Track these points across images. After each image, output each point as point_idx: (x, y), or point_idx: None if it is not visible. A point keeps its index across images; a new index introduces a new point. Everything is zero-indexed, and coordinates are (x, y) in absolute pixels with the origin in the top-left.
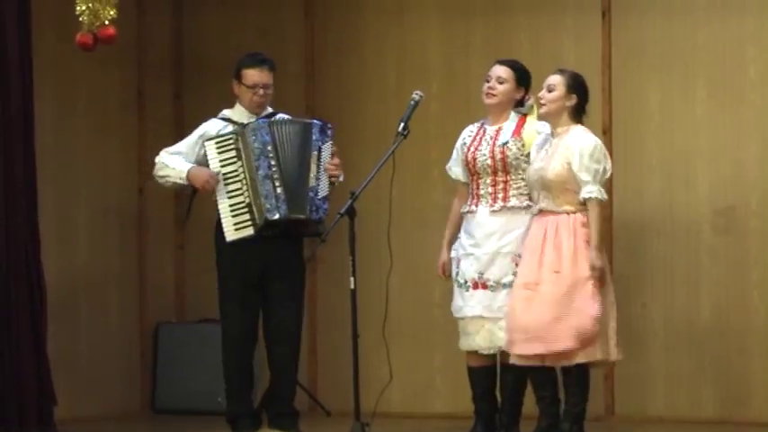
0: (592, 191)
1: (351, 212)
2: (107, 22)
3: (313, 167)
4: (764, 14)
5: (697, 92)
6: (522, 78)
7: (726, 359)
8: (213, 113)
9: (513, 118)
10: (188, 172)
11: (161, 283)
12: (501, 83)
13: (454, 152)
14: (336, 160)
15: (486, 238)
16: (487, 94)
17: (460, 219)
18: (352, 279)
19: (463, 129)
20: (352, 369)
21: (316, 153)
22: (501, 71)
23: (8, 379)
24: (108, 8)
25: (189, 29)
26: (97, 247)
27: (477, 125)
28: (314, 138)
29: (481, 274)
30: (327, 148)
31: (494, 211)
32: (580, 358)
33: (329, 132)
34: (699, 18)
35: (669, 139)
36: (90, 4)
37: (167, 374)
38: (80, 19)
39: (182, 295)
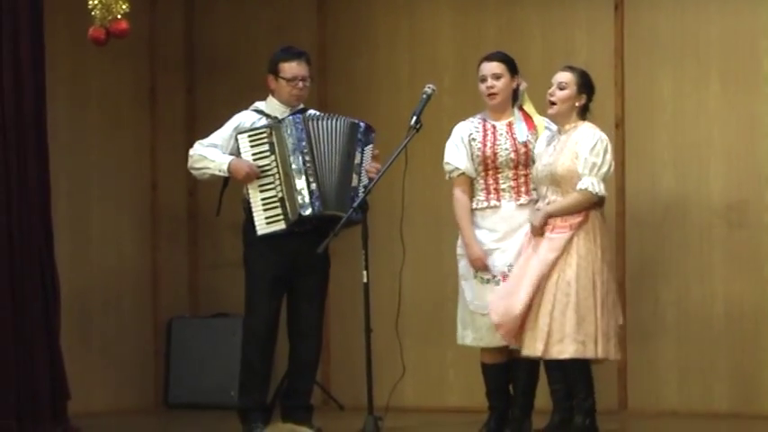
0: (584, 183)
1: (363, 206)
2: (119, 17)
3: (356, 168)
4: None
5: (710, 85)
6: (514, 68)
7: (739, 353)
8: (226, 108)
9: (516, 113)
10: (230, 164)
11: (174, 278)
12: (498, 78)
13: (455, 148)
14: (376, 164)
15: (513, 231)
16: (491, 95)
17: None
18: (364, 273)
19: None
20: (365, 363)
21: (359, 154)
22: (495, 67)
23: (22, 374)
24: (120, 2)
25: (201, 23)
26: (111, 242)
27: (477, 120)
28: (359, 138)
29: (511, 266)
30: (369, 151)
31: (521, 205)
32: (577, 353)
33: (372, 136)
34: (711, 10)
35: (682, 132)
36: None
37: (180, 369)
38: (92, 13)
39: (195, 290)
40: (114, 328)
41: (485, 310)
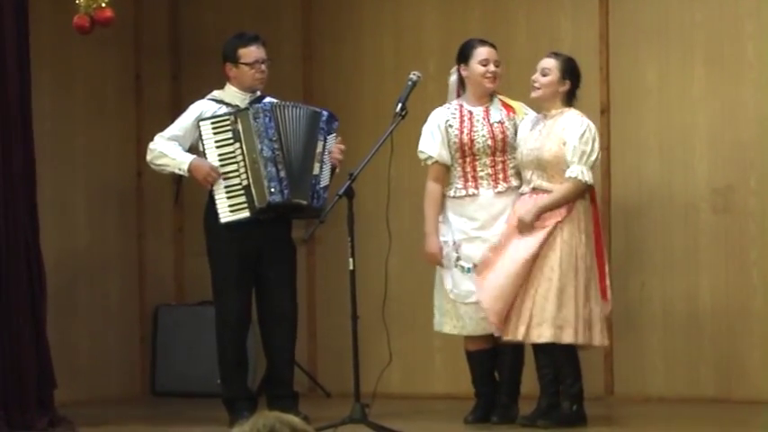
0: (574, 171)
1: (349, 193)
2: (104, 5)
3: (317, 156)
4: None
5: (695, 70)
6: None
7: (725, 338)
8: None
9: (495, 100)
10: (189, 164)
11: (160, 265)
12: (498, 66)
13: (429, 135)
14: (339, 154)
15: (493, 219)
16: (493, 78)
17: (441, 202)
18: (351, 260)
19: None
20: (352, 350)
21: (322, 142)
22: (497, 55)
23: (8, 363)
24: None
25: (186, 10)
26: (96, 230)
27: (454, 106)
28: (321, 127)
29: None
30: (332, 140)
31: (499, 192)
32: (554, 338)
33: (335, 124)
34: None
35: (667, 117)
36: None
37: (167, 357)
38: (77, 2)
39: (181, 278)
40: (100, 316)
41: (465, 299)
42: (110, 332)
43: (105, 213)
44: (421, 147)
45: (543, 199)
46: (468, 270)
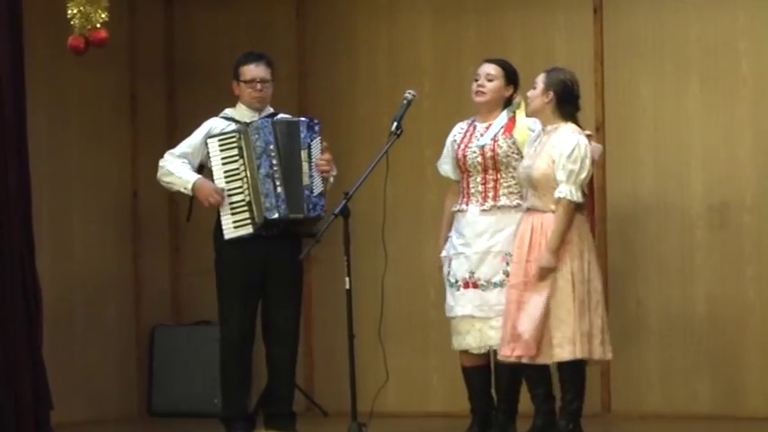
0: (562, 191)
1: (345, 212)
2: (98, 26)
3: (305, 165)
4: (756, 8)
5: (690, 87)
6: (511, 76)
7: (722, 354)
8: (206, 114)
9: (503, 116)
10: (193, 184)
11: (157, 285)
12: (490, 80)
13: (444, 149)
14: (327, 156)
15: (477, 237)
16: (477, 92)
17: (453, 217)
18: (347, 279)
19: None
20: (349, 369)
21: (306, 150)
22: (490, 68)
23: (4, 384)
24: (99, 11)
25: (180, 30)
26: (92, 250)
27: (467, 122)
28: (302, 135)
29: (472, 273)
30: (317, 145)
31: (484, 210)
32: (556, 357)
33: (316, 128)
34: (690, 13)
35: (662, 134)
36: (81, 8)
37: (163, 377)
38: (71, 23)
39: (177, 298)
40: (97, 337)
41: (448, 313)
42: (106, 352)
43: (101, 233)
44: (438, 161)
45: (549, 239)
46: (451, 285)
